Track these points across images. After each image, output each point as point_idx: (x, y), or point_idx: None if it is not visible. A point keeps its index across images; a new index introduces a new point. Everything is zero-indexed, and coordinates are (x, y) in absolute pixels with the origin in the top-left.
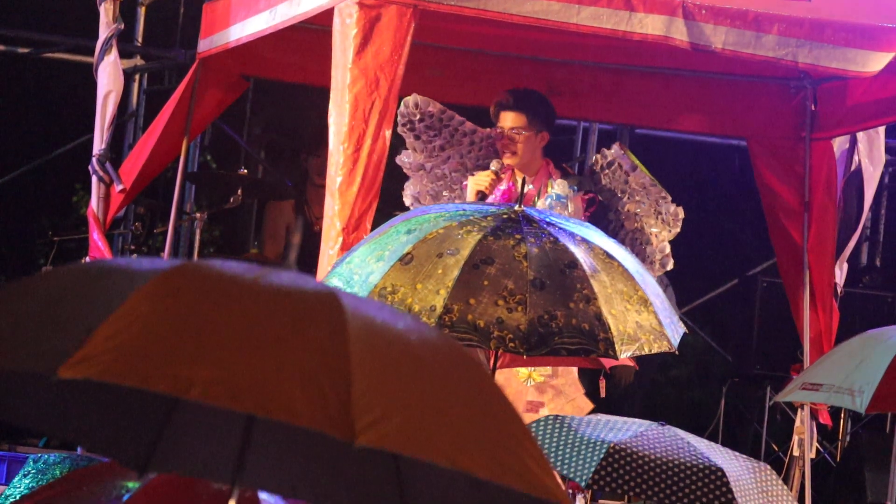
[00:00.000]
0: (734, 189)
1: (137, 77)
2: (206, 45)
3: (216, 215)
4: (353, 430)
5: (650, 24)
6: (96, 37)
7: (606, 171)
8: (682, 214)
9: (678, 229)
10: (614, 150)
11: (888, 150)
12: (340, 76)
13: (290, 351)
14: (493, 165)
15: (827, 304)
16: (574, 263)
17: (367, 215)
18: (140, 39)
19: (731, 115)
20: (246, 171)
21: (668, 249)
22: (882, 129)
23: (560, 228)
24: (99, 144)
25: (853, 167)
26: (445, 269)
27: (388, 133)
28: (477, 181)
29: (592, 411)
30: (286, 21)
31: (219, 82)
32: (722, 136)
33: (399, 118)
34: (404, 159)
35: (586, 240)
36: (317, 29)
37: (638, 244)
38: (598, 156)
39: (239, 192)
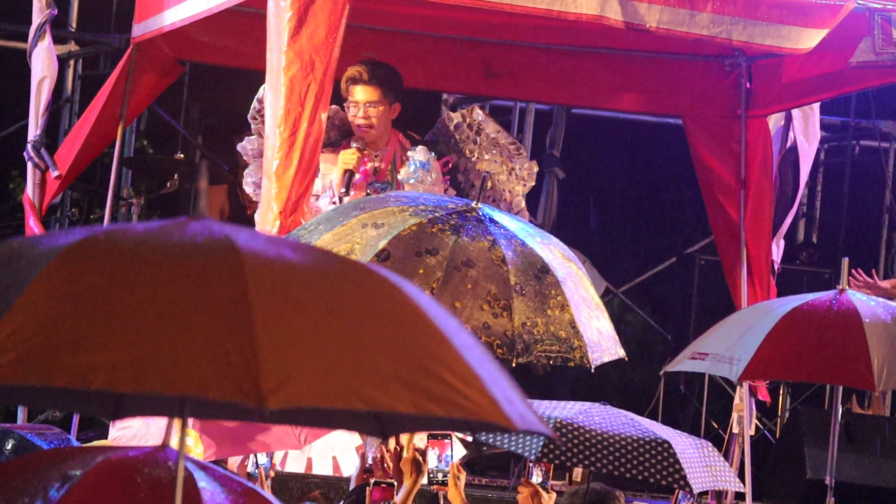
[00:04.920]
0: (671, 168)
1: (72, 62)
2: (140, 29)
3: (154, 200)
4: (262, 394)
5: (584, 4)
6: (30, 22)
7: (454, 133)
8: (536, 168)
9: (533, 182)
10: (474, 114)
11: (823, 126)
12: (276, 59)
13: (191, 318)
14: (356, 143)
15: (764, 280)
16: (546, 269)
17: (304, 198)
18: (74, 24)
19: (666, 93)
20: (183, 155)
21: (522, 204)
22: (817, 106)
23: (521, 228)
24: (34, 130)
25: (789, 144)
26: (427, 270)
27: (323, 116)
28: (345, 160)
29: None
30: (221, 4)
31: (154, 67)
32: (658, 115)
33: (255, 104)
34: (246, 146)
35: (545, 241)
36: (251, 12)
37: (491, 202)
38: (445, 118)
39: (176, 176)
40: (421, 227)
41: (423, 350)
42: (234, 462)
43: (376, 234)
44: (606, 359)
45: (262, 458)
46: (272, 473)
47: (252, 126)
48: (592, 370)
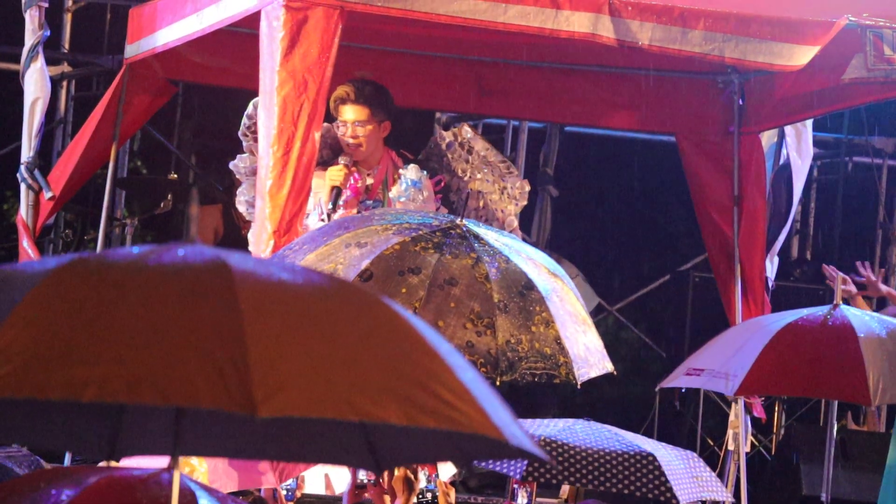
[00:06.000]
0: (664, 185)
1: (65, 83)
2: (133, 50)
3: (147, 221)
4: (254, 403)
5: (577, 22)
6: (22, 44)
7: (446, 152)
8: (528, 187)
9: (525, 202)
10: (463, 131)
11: (816, 143)
12: (268, 79)
13: (182, 331)
14: (343, 159)
15: (758, 297)
16: (530, 285)
17: (298, 217)
18: (67, 46)
19: (659, 111)
20: (176, 176)
21: (515, 224)
22: (810, 123)
23: (505, 244)
24: (27, 152)
25: (782, 160)
26: (410, 289)
27: (317, 135)
28: (331, 177)
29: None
30: (213, 25)
31: (147, 87)
32: (651, 133)
33: (245, 120)
34: (238, 164)
35: (531, 257)
36: (244, 32)
37: (484, 221)
38: (437, 137)
39: (169, 197)
40: (404, 245)
41: (414, 364)
42: None
43: (359, 253)
44: (594, 374)
45: (288, 480)
46: (299, 494)
47: (243, 143)
48: (578, 386)
